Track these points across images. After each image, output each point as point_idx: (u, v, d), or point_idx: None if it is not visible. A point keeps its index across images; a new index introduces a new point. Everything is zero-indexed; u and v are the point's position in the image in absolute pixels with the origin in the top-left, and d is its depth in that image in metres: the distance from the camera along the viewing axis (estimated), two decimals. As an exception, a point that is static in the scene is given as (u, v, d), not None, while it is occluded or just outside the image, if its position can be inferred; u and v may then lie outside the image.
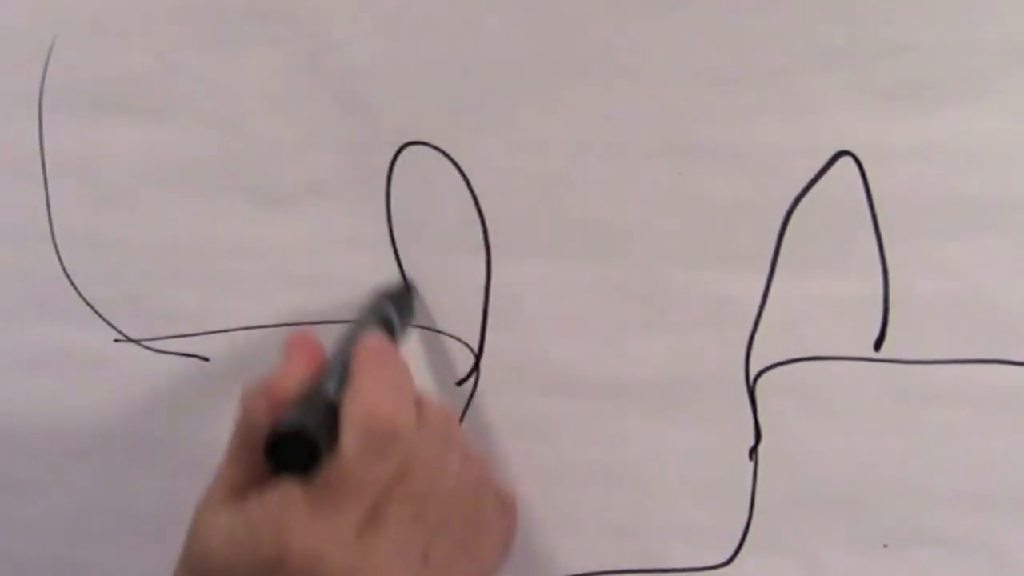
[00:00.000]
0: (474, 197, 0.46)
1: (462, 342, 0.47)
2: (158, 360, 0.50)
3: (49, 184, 0.49)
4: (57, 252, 0.49)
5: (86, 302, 0.50)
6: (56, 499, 0.52)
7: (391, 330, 0.43)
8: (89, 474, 0.52)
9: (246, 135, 0.47)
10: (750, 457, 0.45)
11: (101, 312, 0.49)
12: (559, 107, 0.44)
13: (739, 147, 0.43)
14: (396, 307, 0.44)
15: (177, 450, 0.51)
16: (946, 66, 0.41)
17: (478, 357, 0.47)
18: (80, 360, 0.50)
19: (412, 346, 0.47)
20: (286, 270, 0.48)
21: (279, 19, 0.46)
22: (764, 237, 0.43)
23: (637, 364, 0.45)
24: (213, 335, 0.49)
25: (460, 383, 0.47)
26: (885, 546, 0.45)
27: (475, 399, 0.47)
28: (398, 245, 0.47)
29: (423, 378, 0.47)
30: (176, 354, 0.50)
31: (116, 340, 0.50)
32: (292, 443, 0.35)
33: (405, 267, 0.47)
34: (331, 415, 0.36)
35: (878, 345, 0.43)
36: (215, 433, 0.50)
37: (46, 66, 0.48)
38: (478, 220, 0.46)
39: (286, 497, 0.36)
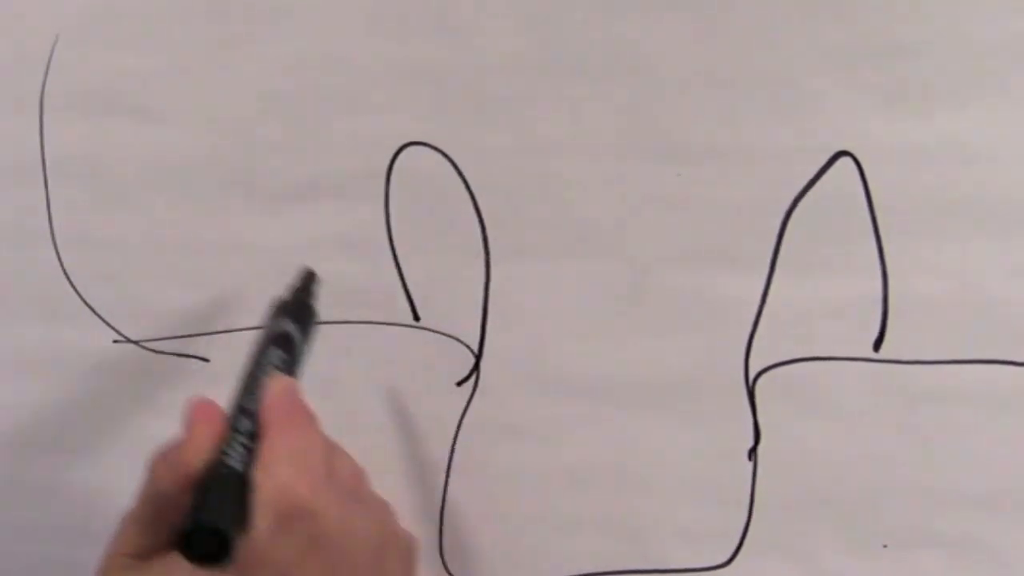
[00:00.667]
0: (473, 197, 0.46)
1: (462, 343, 0.47)
2: (158, 360, 0.50)
3: (49, 184, 0.49)
4: (57, 252, 0.49)
5: (85, 303, 0.50)
6: (56, 499, 0.52)
7: (296, 351, 0.42)
8: (89, 474, 0.52)
9: (246, 135, 0.47)
10: (749, 457, 0.45)
11: (100, 313, 0.49)
12: (558, 108, 0.44)
13: (739, 148, 0.43)
14: (296, 318, 0.43)
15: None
16: (946, 66, 0.41)
17: (478, 357, 0.47)
18: (80, 360, 0.50)
19: (412, 346, 0.47)
20: (286, 270, 0.47)
21: (279, 19, 0.46)
22: (764, 237, 0.43)
23: (636, 365, 0.45)
24: (213, 335, 0.49)
25: (460, 383, 0.47)
26: (884, 546, 0.45)
27: (475, 399, 0.47)
28: (397, 245, 0.47)
29: (423, 379, 0.47)
30: (176, 355, 0.50)
31: (115, 341, 0.50)
32: (205, 537, 0.35)
33: (404, 267, 0.47)
34: (240, 492, 0.36)
35: (877, 345, 0.43)
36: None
37: (47, 66, 0.48)
38: (477, 221, 0.46)
39: (186, 571, 0.35)
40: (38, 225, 0.49)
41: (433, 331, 0.47)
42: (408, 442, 0.48)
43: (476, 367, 0.47)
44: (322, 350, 0.48)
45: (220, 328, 0.49)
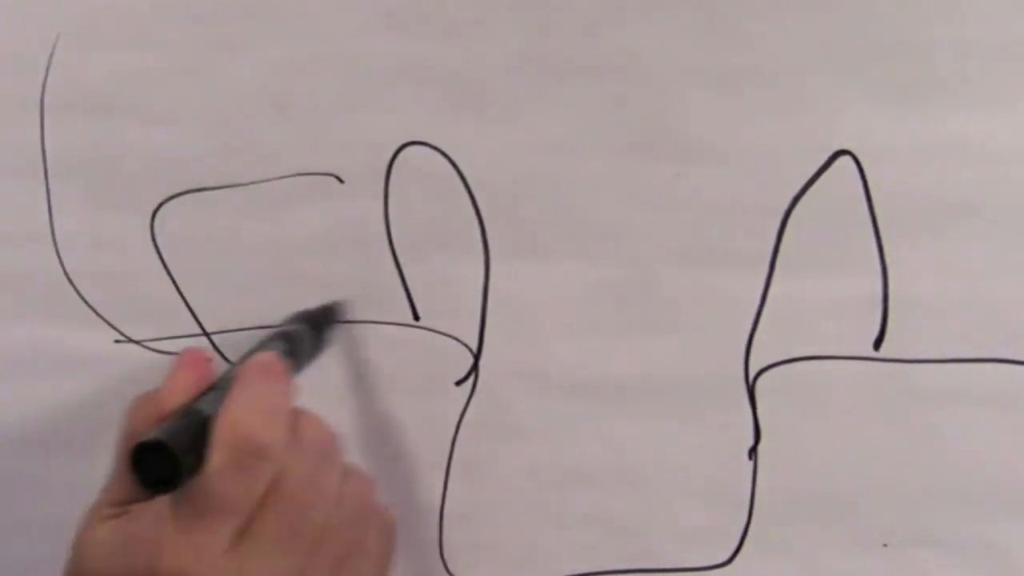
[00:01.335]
0: (472, 197, 0.46)
1: (461, 342, 0.47)
2: (159, 361, 0.50)
3: (50, 184, 0.49)
4: (58, 253, 0.49)
5: (86, 303, 0.50)
6: (56, 499, 0.52)
7: (298, 351, 0.43)
8: (89, 474, 0.52)
9: (246, 135, 0.47)
10: (750, 457, 0.45)
11: (102, 313, 0.49)
12: (557, 107, 0.44)
13: (738, 147, 0.43)
14: (312, 327, 0.45)
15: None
16: (945, 66, 0.41)
17: (477, 357, 0.47)
18: (81, 361, 0.50)
19: (411, 346, 0.47)
20: (285, 270, 0.48)
21: (279, 19, 0.46)
22: (764, 237, 0.43)
23: (636, 364, 0.45)
24: (214, 335, 0.49)
25: (459, 383, 0.47)
26: (885, 546, 0.45)
27: (474, 399, 0.47)
28: (396, 245, 0.47)
29: (422, 378, 0.47)
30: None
31: (117, 341, 0.50)
32: (155, 456, 0.36)
33: (403, 267, 0.47)
34: (202, 430, 0.37)
35: (877, 344, 0.43)
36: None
37: (48, 66, 0.48)
38: (477, 220, 0.46)
39: (158, 514, 0.36)
40: (39, 225, 0.49)
41: (432, 331, 0.47)
42: (407, 442, 0.48)
43: (475, 367, 0.47)
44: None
45: (221, 328, 0.49)
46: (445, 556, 0.49)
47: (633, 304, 0.45)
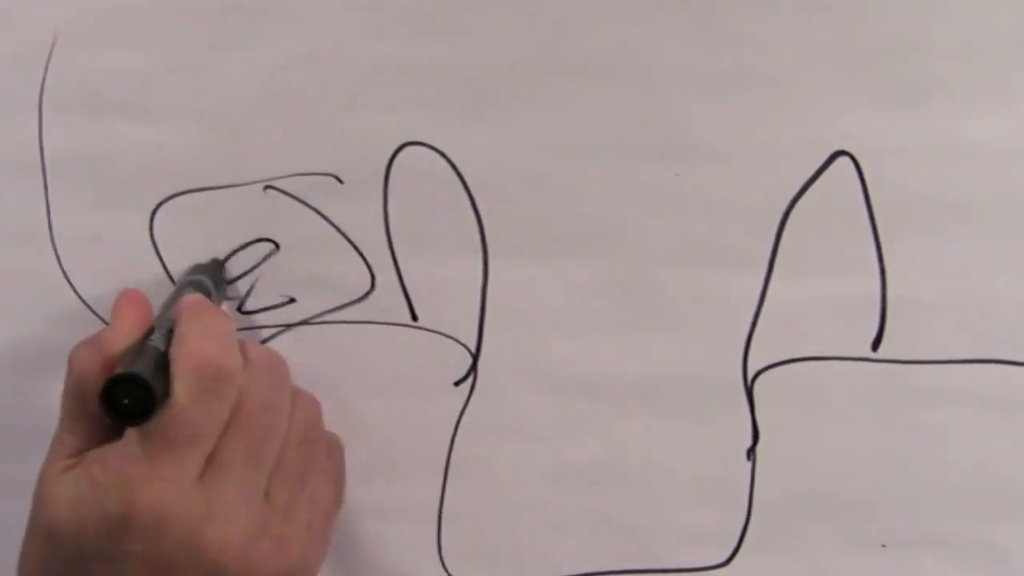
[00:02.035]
0: (471, 197, 0.46)
1: (459, 342, 0.47)
2: (157, 360, 0.50)
3: (48, 184, 0.49)
4: (56, 252, 0.49)
5: (84, 302, 0.49)
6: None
7: (207, 294, 0.44)
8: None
9: (244, 135, 0.47)
10: (748, 457, 0.45)
11: (100, 313, 0.49)
12: (556, 107, 0.44)
13: (736, 147, 0.43)
14: (211, 278, 0.46)
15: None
16: (944, 66, 0.41)
17: (475, 357, 0.47)
18: (79, 360, 0.50)
19: (409, 346, 0.47)
20: (283, 270, 0.48)
21: (278, 19, 0.46)
22: (762, 237, 0.43)
23: (634, 364, 0.45)
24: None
25: (458, 383, 0.47)
26: (883, 546, 0.45)
27: (473, 399, 0.47)
28: (395, 245, 0.47)
29: (420, 379, 0.47)
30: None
31: (115, 340, 0.50)
32: (127, 389, 0.36)
33: (402, 267, 0.47)
34: (161, 365, 0.37)
35: (876, 345, 0.43)
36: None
37: (46, 65, 0.48)
38: (475, 220, 0.46)
39: (126, 453, 0.36)
40: (37, 224, 0.49)
41: (431, 331, 0.47)
42: (406, 442, 0.48)
43: (474, 367, 0.47)
44: (319, 349, 0.48)
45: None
46: (443, 556, 0.49)
47: (631, 304, 0.45)
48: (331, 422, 0.49)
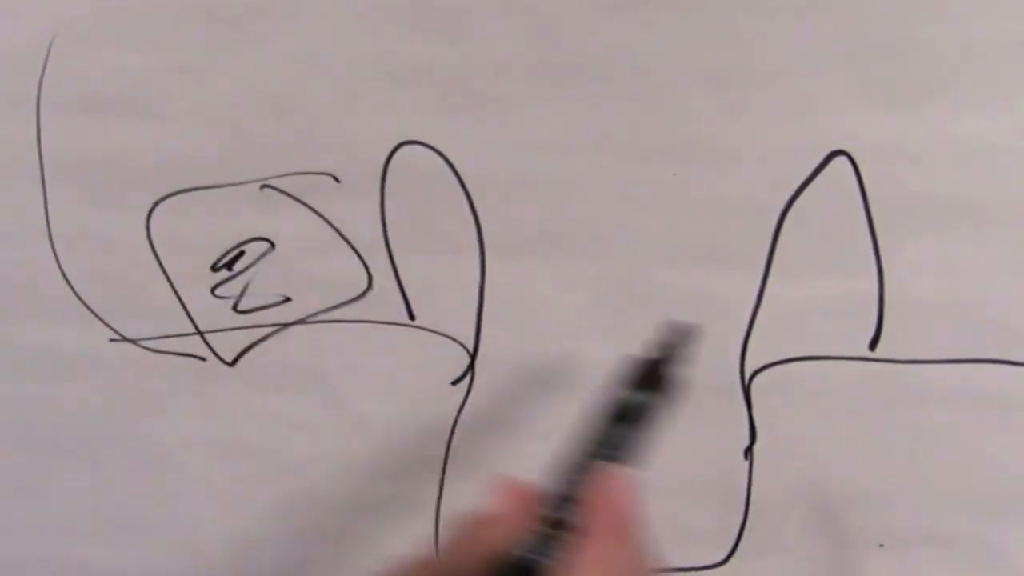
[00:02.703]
0: (468, 196, 0.46)
1: (457, 342, 0.47)
2: (154, 359, 0.50)
3: (46, 184, 0.49)
4: (54, 251, 0.49)
5: (82, 302, 0.50)
6: (52, 498, 0.53)
7: (640, 427, 0.36)
8: (85, 473, 0.52)
9: (242, 134, 0.47)
10: (745, 457, 0.45)
11: (97, 311, 0.50)
12: (554, 107, 0.44)
13: (734, 147, 0.43)
14: (655, 386, 0.37)
15: (172, 449, 0.51)
16: (941, 67, 0.40)
17: (473, 356, 0.47)
18: (76, 359, 0.50)
19: (407, 345, 0.47)
20: (281, 270, 0.48)
21: (275, 19, 0.46)
22: (759, 236, 0.43)
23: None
24: (209, 334, 0.49)
25: (455, 382, 0.47)
26: (881, 545, 0.45)
27: (470, 398, 0.47)
28: (392, 244, 0.47)
29: (418, 378, 0.48)
30: (172, 353, 0.50)
31: (112, 340, 0.50)
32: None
33: (399, 266, 0.47)
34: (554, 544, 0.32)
35: (873, 345, 0.43)
36: (210, 432, 0.51)
37: (44, 66, 0.48)
38: (473, 219, 0.46)
39: None
40: (35, 224, 0.49)
41: (428, 330, 0.47)
42: (404, 441, 0.48)
43: (471, 366, 0.47)
44: (316, 349, 0.48)
45: (216, 327, 0.49)
46: (441, 555, 0.49)
47: (628, 303, 0.45)
48: (329, 422, 0.49)
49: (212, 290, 0.49)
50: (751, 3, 0.42)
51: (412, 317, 0.47)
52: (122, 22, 0.47)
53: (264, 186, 0.47)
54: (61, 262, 0.50)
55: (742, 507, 0.46)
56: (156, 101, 0.47)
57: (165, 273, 0.49)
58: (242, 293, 0.48)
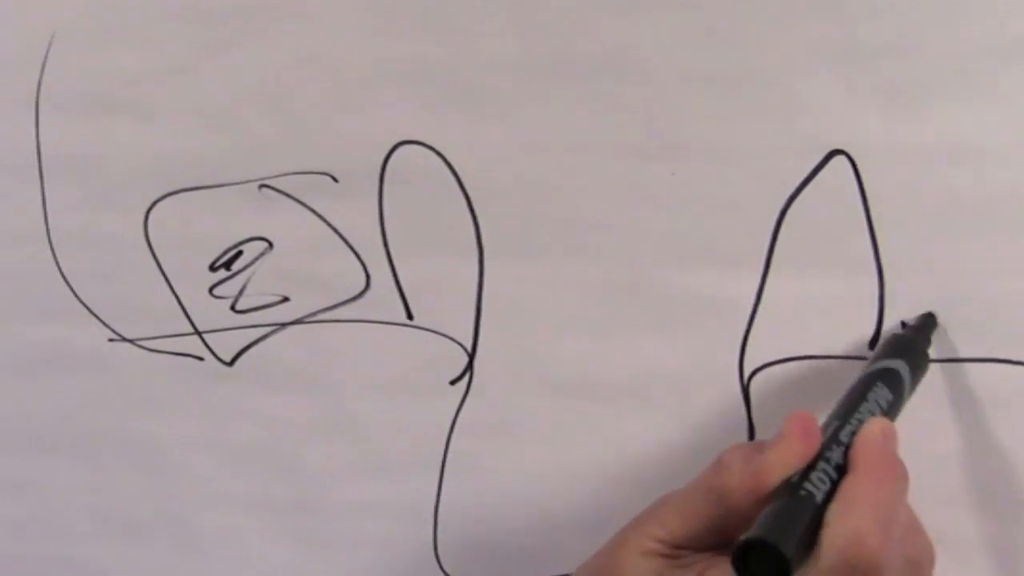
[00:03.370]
0: (467, 196, 0.45)
1: (455, 341, 0.47)
2: (152, 359, 0.50)
3: (45, 184, 0.49)
4: (53, 251, 0.49)
5: (81, 301, 0.50)
6: (50, 498, 0.53)
7: (900, 392, 0.39)
8: (82, 473, 0.52)
9: (240, 134, 0.47)
10: (744, 456, 0.45)
11: (96, 311, 0.50)
12: (552, 106, 0.44)
13: (733, 146, 0.43)
14: (909, 358, 0.40)
15: (171, 449, 0.51)
16: (941, 65, 0.40)
17: (471, 356, 0.47)
18: (75, 359, 0.50)
19: (405, 345, 0.47)
20: (279, 269, 0.48)
21: (273, 19, 0.46)
22: (758, 236, 0.43)
23: (630, 364, 0.45)
24: (207, 334, 0.49)
25: (454, 382, 0.47)
26: (880, 546, 0.45)
27: (468, 398, 0.47)
28: (391, 244, 0.47)
29: (416, 378, 0.48)
30: (170, 353, 0.50)
31: (111, 339, 0.50)
32: (762, 553, 0.33)
33: (398, 266, 0.47)
34: (811, 523, 0.34)
35: (872, 344, 0.43)
36: (209, 432, 0.51)
37: (43, 65, 0.48)
38: (471, 219, 0.46)
39: None
40: (34, 224, 0.49)
41: (427, 330, 0.47)
42: (402, 441, 0.48)
43: (470, 366, 0.47)
44: (314, 349, 0.48)
45: (214, 327, 0.49)
46: (439, 555, 0.49)
47: (627, 303, 0.45)
48: (327, 422, 0.49)
49: (210, 290, 0.49)
50: (751, 2, 0.41)
51: (410, 317, 0.47)
52: (121, 22, 0.47)
53: (262, 186, 0.47)
54: (60, 262, 0.50)
55: (741, 507, 0.46)
56: (154, 101, 0.47)
57: (163, 273, 0.49)
58: (240, 293, 0.48)
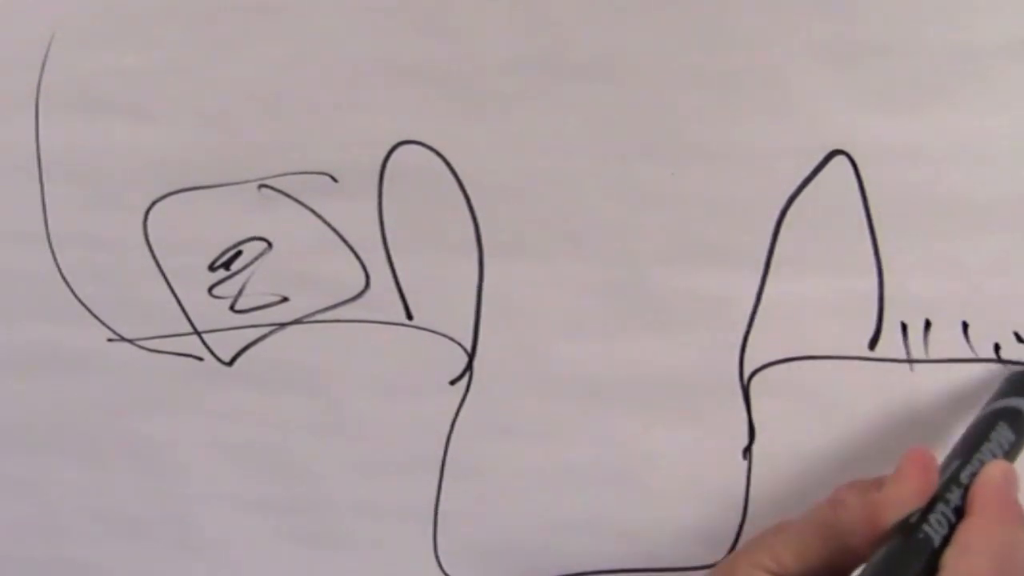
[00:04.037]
0: (466, 196, 0.45)
1: (455, 341, 0.47)
2: (152, 359, 0.50)
3: (44, 184, 0.49)
4: (52, 251, 0.49)
5: (80, 301, 0.50)
6: (49, 498, 0.53)
7: (1021, 432, 0.39)
8: (82, 473, 0.52)
9: (240, 134, 0.47)
10: (744, 457, 0.45)
11: (95, 311, 0.50)
12: (552, 106, 0.44)
13: (733, 146, 0.43)
14: None
15: (170, 449, 0.51)
16: (941, 65, 0.40)
17: (471, 356, 0.47)
18: (74, 359, 0.50)
19: (405, 345, 0.47)
20: (278, 269, 0.48)
21: (273, 18, 0.46)
22: (758, 236, 0.43)
23: (630, 364, 0.45)
24: (207, 334, 0.49)
25: (453, 382, 0.47)
26: (880, 546, 0.45)
27: (468, 398, 0.47)
28: (390, 244, 0.47)
29: (416, 378, 0.47)
30: (170, 353, 0.50)
31: (110, 339, 0.50)
32: None
33: (397, 265, 0.47)
34: (927, 567, 0.34)
35: (873, 344, 0.43)
36: (209, 432, 0.51)
37: (43, 65, 0.48)
38: (471, 219, 0.46)
39: None
40: (33, 224, 0.49)
41: (426, 330, 0.47)
42: (401, 441, 0.48)
43: (469, 366, 0.47)
44: (313, 349, 0.48)
45: (213, 327, 0.49)
46: (439, 555, 0.49)
47: (627, 303, 0.45)
48: (327, 422, 0.49)
49: (209, 290, 0.49)
50: (751, 2, 0.41)
51: (410, 317, 0.47)
52: (120, 22, 0.47)
53: (261, 186, 0.47)
54: (59, 262, 0.50)
55: (740, 507, 0.46)
56: (154, 101, 0.47)
57: (162, 273, 0.49)
58: (239, 293, 0.48)
